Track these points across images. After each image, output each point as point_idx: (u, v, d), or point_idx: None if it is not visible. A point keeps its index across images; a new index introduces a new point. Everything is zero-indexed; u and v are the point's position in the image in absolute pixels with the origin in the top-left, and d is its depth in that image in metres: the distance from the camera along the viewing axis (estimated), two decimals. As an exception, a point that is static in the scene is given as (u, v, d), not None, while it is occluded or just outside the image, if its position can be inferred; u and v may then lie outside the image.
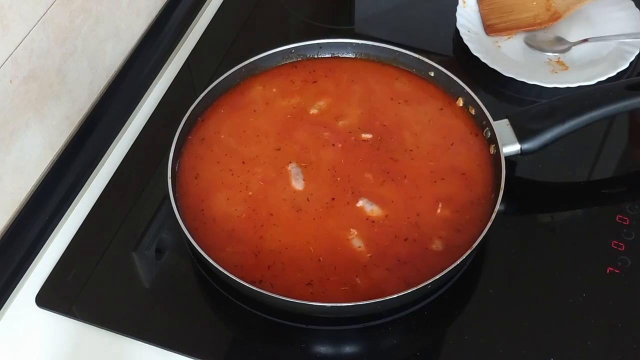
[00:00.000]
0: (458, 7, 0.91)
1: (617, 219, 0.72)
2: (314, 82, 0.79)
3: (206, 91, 0.76)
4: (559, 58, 0.86)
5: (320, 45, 0.81)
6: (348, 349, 0.67)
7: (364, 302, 0.61)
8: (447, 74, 0.77)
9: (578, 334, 0.65)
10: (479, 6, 0.92)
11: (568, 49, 0.87)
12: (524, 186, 0.77)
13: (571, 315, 0.66)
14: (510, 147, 0.71)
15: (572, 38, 0.88)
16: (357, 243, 0.67)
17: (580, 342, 0.65)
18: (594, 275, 0.68)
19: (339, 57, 0.82)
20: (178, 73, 0.88)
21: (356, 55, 0.82)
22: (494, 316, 0.67)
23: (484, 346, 0.65)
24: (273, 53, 0.80)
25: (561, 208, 0.75)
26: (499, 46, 0.89)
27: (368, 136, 0.74)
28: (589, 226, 0.73)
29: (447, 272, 0.62)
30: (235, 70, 0.78)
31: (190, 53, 0.90)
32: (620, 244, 0.70)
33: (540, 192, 0.76)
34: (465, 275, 0.68)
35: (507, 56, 0.88)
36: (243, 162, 0.73)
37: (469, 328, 0.66)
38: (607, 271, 0.68)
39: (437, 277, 0.62)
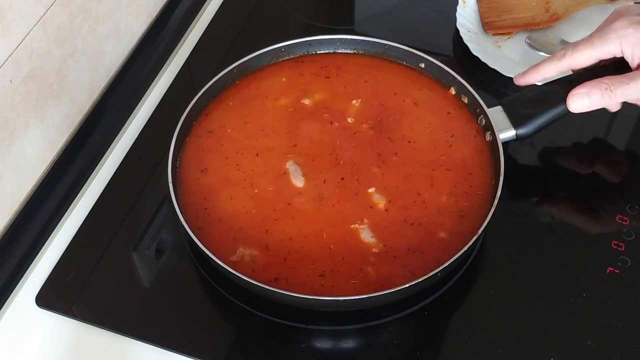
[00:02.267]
0: (458, 7, 0.91)
1: (617, 219, 0.72)
2: (326, 77, 0.80)
3: (209, 84, 0.77)
4: (559, 58, 0.86)
5: (309, 43, 0.82)
6: (348, 349, 0.67)
7: (375, 294, 0.61)
8: (437, 65, 0.78)
9: (578, 334, 0.65)
10: (478, 4, 0.92)
11: (568, 50, 0.87)
12: (524, 186, 0.77)
13: (571, 315, 0.66)
14: (506, 133, 0.72)
15: (572, 39, 0.87)
16: (365, 233, 0.67)
17: (580, 342, 0.65)
18: (594, 275, 0.68)
19: (347, 53, 0.82)
20: (178, 73, 0.88)
21: (347, 50, 0.82)
22: (494, 316, 0.67)
23: (484, 346, 0.65)
24: (263, 52, 0.80)
25: (561, 207, 0.75)
26: (499, 46, 0.89)
27: (372, 128, 0.75)
28: (589, 226, 0.73)
29: (456, 258, 0.63)
30: (228, 71, 0.79)
31: (190, 53, 0.90)
32: (620, 244, 0.70)
33: (540, 192, 0.76)
34: (465, 276, 0.68)
35: (508, 56, 0.88)
36: (257, 154, 0.73)
37: (469, 328, 0.66)
38: (607, 271, 0.68)
39: (447, 264, 0.62)
